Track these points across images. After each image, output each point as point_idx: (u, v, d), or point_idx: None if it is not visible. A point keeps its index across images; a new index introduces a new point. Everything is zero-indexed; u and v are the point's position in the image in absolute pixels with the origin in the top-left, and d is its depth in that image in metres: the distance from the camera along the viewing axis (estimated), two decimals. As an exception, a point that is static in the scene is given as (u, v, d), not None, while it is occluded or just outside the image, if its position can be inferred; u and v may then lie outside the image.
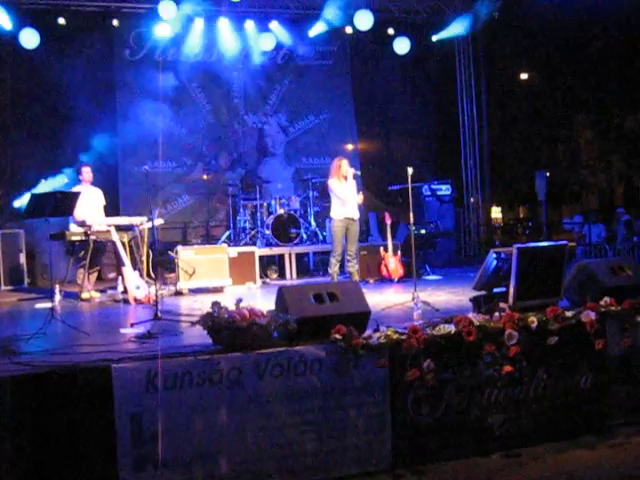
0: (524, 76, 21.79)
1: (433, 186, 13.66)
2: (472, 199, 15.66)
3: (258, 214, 12.59)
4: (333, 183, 9.71)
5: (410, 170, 7.86)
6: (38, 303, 9.08)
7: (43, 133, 12.71)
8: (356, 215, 9.76)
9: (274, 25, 14.24)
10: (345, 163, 9.71)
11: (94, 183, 10.12)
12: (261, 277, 11.23)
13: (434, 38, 15.05)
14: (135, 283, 9.01)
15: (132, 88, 13.51)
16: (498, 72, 18.65)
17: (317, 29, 14.11)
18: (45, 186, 11.48)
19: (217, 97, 14.55)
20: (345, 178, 9.63)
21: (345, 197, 9.62)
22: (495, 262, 6.22)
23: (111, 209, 10.83)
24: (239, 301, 5.24)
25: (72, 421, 4.62)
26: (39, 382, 4.63)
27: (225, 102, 14.64)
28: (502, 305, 5.92)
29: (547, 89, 21.71)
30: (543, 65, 21.30)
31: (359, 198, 9.69)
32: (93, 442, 4.65)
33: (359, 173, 9.74)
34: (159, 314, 7.00)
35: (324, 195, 13.08)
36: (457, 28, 14.60)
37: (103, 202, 10.15)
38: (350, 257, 9.77)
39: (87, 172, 9.99)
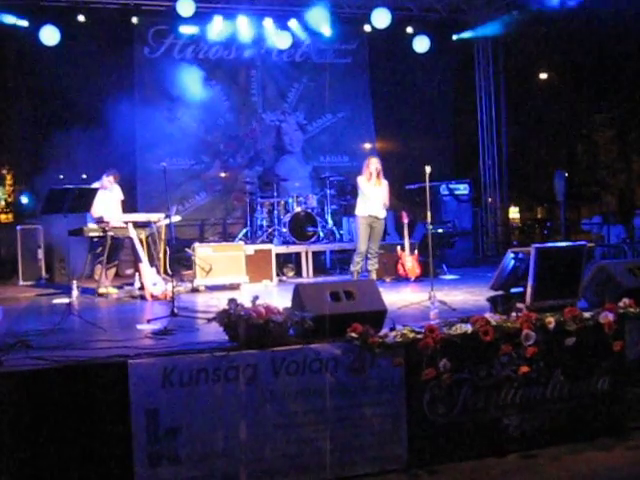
0: (543, 76, 21.67)
1: (451, 185, 13.59)
2: (490, 199, 15.61)
3: (275, 212, 12.59)
4: (360, 180, 9.76)
5: (428, 169, 7.83)
6: (56, 298, 9.13)
7: (61, 130, 12.76)
8: (380, 214, 9.75)
9: (292, 23, 14.24)
10: (374, 161, 9.74)
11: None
12: (278, 275, 11.22)
13: (454, 37, 15.00)
14: (152, 279, 9.04)
15: (151, 85, 13.57)
16: (517, 71, 18.55)
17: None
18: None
19: (235, 95, 14.58)
20: (372, 175, 9.65)
21: (369, 194, 9.62)
22: (513, 262, 6.19)
23: (129, 206, 10.87)
24: (255, 298, 5.25)
25: (88, 416, 4.65)
26: (55, 376, 4.66)
27: (243, 100, 14.67)
28: (519, 305, 5.89)
29: (566, 89, 21.58)
30: (562, 65, 21.18)
31: (384, 197, 9.67)
32: (109, 437, 4.67)
33: (381, 171, 9.71)
34: (175, 310, 7.01)
35: (342, 193, 13.10)
36: (480, 30, 14.60)
37: (122, 197, 10.18)
38: (371, 255, 9.79)
39: (112, 181, 9.97)
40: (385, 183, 9.77)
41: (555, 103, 21.65)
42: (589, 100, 21.81)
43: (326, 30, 14.10)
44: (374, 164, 9.68)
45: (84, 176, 12.10)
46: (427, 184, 7.89)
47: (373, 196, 9.66)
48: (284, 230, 12.18)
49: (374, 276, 9.68)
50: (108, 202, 9.85)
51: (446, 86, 15.71)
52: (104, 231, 9.30)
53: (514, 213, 21.16)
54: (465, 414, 5.43)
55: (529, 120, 21.07)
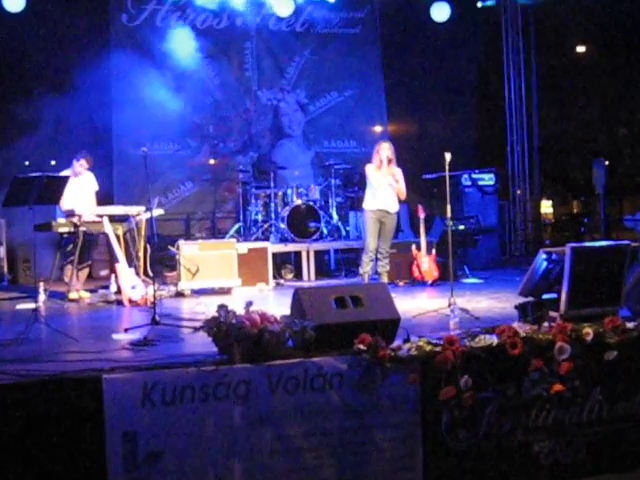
0: (581, 49, 21.61)
1: (474, 175, 13.58)
2: (519, 191, 15.60)
3: (272, 205, 12.58)
4: (368, 169, 9.76)
5: (448, 156, 7.83)
6: (20, 303, 9.14)
7: (27, 111, 12.76)
8: (392, 208, 9.74)
9: (293, -13, 14.26)
10: (384, 147, 9.69)
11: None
12: (274, 277, 11.23)
13: (478, 4, 14.98)
14: (130, 282, 9.04)
15: (130, 58, 13.52)
16: (551, 44, 18.50)
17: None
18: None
19: (227, 70, 14.56)
20: (382, 163, 9.63)
21: (379, 185, 9.61)
22: (545, 264, 6.19)
23: (104, 197, 10.86)
24: (249, 304, 5.26)
25: (56, 439, 4.65)
26: (19, 394, 4.66)
27: (236, 76, 14.66)
28: (552, 314, 5.89)
29: (607, 64, 21.53)
30: (603, 36, 21.12)
31: (400, 192, 9.66)
32: (80, 463, 4.68)
33: (393, 159, 9.69)
34: (157, 318, 7.02)
35: (348, 184, 13.09)
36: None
37: (96, 187, 10.18)
38: (381, 256, 9.78)
39: (84, 165, 9.93)
40: (398, 171, 9.75)
41: (595, 81, 21.59)
42: (634, 77, 21.75)
43: None
44: (385, 150, 9.66)
45: (53, 162, 12.11)
46: (447, 174, 7.89)
47: (383, 187, 9.66)
48: (282, 226, 12.18)
49: (385, 279, 9.68)
50: (80, 192, 9.84)
51: (469, 61, 15.67)
52: (75, 226, 9.29)
53: (546, 207, 21.15)
54: (489, 439, 5.43)
55: (564, 100, 21.03)
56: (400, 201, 9.91)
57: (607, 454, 5.75)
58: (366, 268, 9.73)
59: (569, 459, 5.63)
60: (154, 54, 13.44)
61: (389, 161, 9.64)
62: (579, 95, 21.66)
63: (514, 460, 5.50)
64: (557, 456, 5.60)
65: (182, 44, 13.82)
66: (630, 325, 5.83)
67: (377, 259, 9.81)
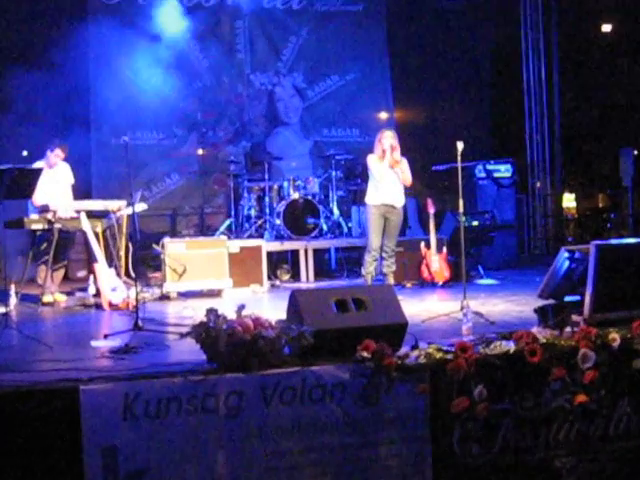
0: (606, 28, 21.62)
1: (489, 166, 13.59)
2: (538, 184, 15.60)
3: (266, 199, 12.59)
4: (370, 160, 9.73)
5: (460, 145, 7.83)
6: (-12, 307, 9.14)
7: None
8: (397, 202, 9.73)
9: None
10: (387, 135, 9.68)
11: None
12: (269, 278, 11.25)
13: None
14: (110, 284, 9.05)
15: (109, 39, 13.51)
16: (574, 23, 18.51)
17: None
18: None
19: (216, 52, 14.55)
20: (385, 154, 9.62)
21: (383, 178, 9.60)
22: (567, 263, 6.19)
23: (81, 191, 10.87)
24: (241, 308, 5.26)
25: (29, 456, 4.65)
26: (-12, 406, 4.66)
27: (226, 58, 14.66)
28: (575, 318, 5.89)
29: (636, 45, 21.54)
30: (631, 14, 21.13)
31: (405, 179, 9.66)
32: (55, 482, 4.68)
33: (397, 148, 9.69)
34: (140, 323, 7.02)
35: (350, 176, 13.10)
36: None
37: (71, 180, 10.18)
38: (387, 255, 9.75)
39: (59, 156, 9.92)
40: (404, 161, 9.74)
41: (621, 63, 21.60)
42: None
43: None
44: (388, 139, 9.65)
45: (25, 153, 12.09)
46: (459, 165, 7.89)
47: (387, 180, 9.65)
48: (278, 222, 12.18)
49: (391, 280, 9.67)
50: (54, 186, 9.84)
51: (484, 41, 15.69)
52: (50, 223, 9.30)
53: (569, 201, 21.10)
54: (506, 454, 5.43)
55: (588, 85, 21.03)
56: (406, 193, 9.90)
57: (636, 471, 5.75)
58: (369, 268, 9.71)
59: (594, 477, 5.62)
60: (136, 34, 13.37)
61: (393, 149, 9.62)
62: (605, 79, 21.65)
63: (533, 478, 5.49)
64: (580, 473, 5.60)
65: (167, 23, 13.77)
66: (661, 330, 5.82)
67: (382, 258, 9.80)
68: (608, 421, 5.68)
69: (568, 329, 5.71)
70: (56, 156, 9.87)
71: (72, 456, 4.68)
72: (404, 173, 9.68)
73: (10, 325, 6.99)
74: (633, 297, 6.12)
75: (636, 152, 14.65)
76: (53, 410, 4.71)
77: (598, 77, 21.25)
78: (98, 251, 9.25)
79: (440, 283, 10.68)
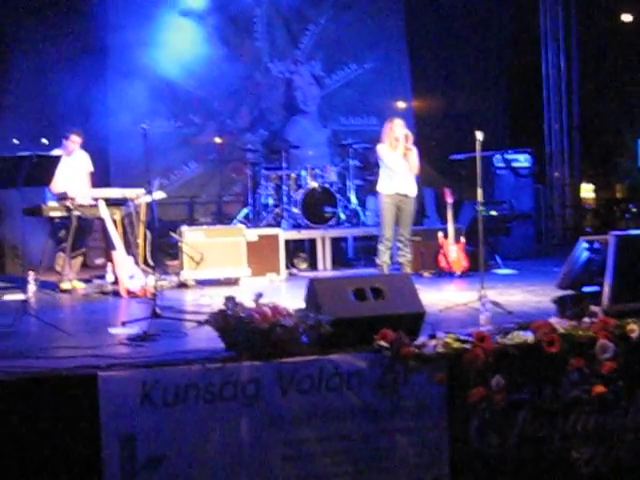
0: (627, 17, 21.47)
1: (508, 156, 13.55)
2: (557, 173, 15.54)
3: (284, 187, 12.59)
4: (382, 149, 9.71)
5: (479, 135, 7.80)
6: (7, 294, 9.16)
7: (15, 78, 12.77)
8: (410, 191, 9.72)
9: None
10: (398, 124, 9.69)
11: (80, 145, 10.16)
12: (287, 267, 11.24)
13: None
14: (128, 271, 9.06)
15: (127, 28, 13.53)
16: (594, 11, 18.40)
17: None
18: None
19: (234, 40, 14.56)
20: (397, 141, 9.60)
21: (395, 167, 9.59)
22: (586, 254, 6.17)
23: (100, 179, 10.90)
24: (259, 296, 5.25)
25: (47, 442, 4.66)
26: (5, 392, 4.67)
27: (245, 46, 14.66)
28: (594, 308, 5.87)
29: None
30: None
31: (413, 167, 9.63)
32: (74, 468, 4.69)
33: (412, 137, 9.67)
34: (158, 311, 7.03)
35: (368, 165, 13.07)
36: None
37: (90, 168, 10.21)
38: (402, 244, 9.75)
39: (75, 142, 9.99)
40: (414, 149, 9.71)
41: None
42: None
43: None
44: (400, 127, 9.63)
45: (44, 140, 12.13)
46: (478, 154, 7.86)
47: (400, 169, 9.63)
48: (295, 210, 12.18)
49: (409, 270, 9.67)
50: (73, 173, 9.88)
51: (503, 30, 15.63)
52: (68, 210, 9.33)
53: (587, 192, 21.03)
54: (523, 445, 5.41)
55: (608, 74, 20.91)
56: (425, 182, 9.87)
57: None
58: (384, 258, 9.69)
59: (611, 468, 5.61)
60: (154, 23, 13.41)
61: (407, 138, 9.60)
62: (625, 68, 21.53)
63: (550, 468, 5.48)
64: (598, 464, 5.58)
65: (185, 12, 13.80)
66: (680, 321, 5.80)
67: (398, 248, 9.78)
68: (626, 412, 5.66)
69: (587, 319, 5.69)
70: (72, 142, 9.91)
71: (90, 443, 4.69)
72: (413, 161, 9.65)
73: (29, 312, 7.02)
74: (652, 288, 6.11)
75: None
76: (71, 397, 4.72)
77: (618, 68, 21.15)
78: (116, 239, 9.27)
79: (458, 273, 10.65)
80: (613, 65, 20.93)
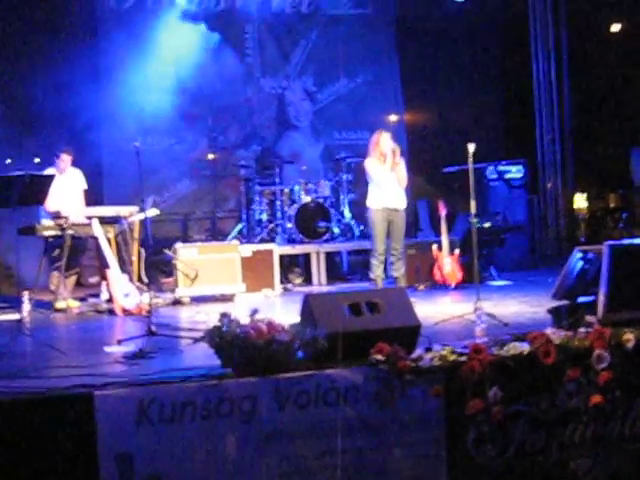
0: (616, 28, 21.55)
1: (500, 167, 13.58)
2: (550, 184, 15.54)
3: (278, 203, 12.60)
4: (369, 163, 9.72)
5: (471, 147, 7.82)
6: (2, 314, 9.13)
7: (5, 93, 12.74)
8: (400, 205, 9.73)
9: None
10: (385, 137, 9.69)
11: (72, 163, 10.16)
12: (282, 282, 11.24)
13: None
14: (123, 289, 9.06)
15: (119, 44, 13.55)
16: (584, 22, 18.47)
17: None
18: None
19: (226, 56, 14.55)
20: (385, 157, 9.60)
21: (383, 181, 9.58)
22: (580, 264, 6.18)
23: (93, 197, 10.89)
24: (254, 312, 5.25)
25: (43, 462, 4.65)
26: (1, 413, 4.66)
27: (236, 62, 14.66)
28: (589, 318, 5.88)
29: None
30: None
31: (402, 180, 9.64)
32: (71, 489, 4.68)
33: (400, 150, 9.68)
34: (153, 328, 7.03)
35: (361, 179, 13.07)
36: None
37: (84, 186, 10.21)
38: (395, 258, 9.76)
39: (66, 161, 10.00)
40: (402, 162, 9.72)
41: (632, 62, 21.52)
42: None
43: None
44: (388, 141, 9.63)
45: (37, 160, 12.12)
46: (470, 166, 7.88)
47: (388, 183, 9.63)
48: (289, 226, 12.19)
49: (403, 283, 9.67)
50: (66, 192, 9.87)
51: (493, 42, 15.66)
52: (62, 229, 9.32)
53: (581, 201, 21.05)
54: (521, 456, 5.42)
55: (599, 84, 20.96)
56: (418, 195, 9.90)
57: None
58: (377, 272, 9.69)
59: (609, 478, 5.60)
60: (145, 40, 13.42)
61: (394, 153, 9.59)
62: (616, 79, 21.59)
63: (549, 479, 5.48)
64: (596, 475, 5.58)
65: (176, 29, 13.81)
66: (676, 330, 5.80)
67: (391, 262, 9.78)
68: (623, 422, 5.67)
69: (582, 330, 5.70)
70: (62, 162, 9.91)
71: (87, 462, 4.68)
72: (402, 175, 9.65)
73: (23, 332, 7.01)
74: (647, 297, 6.12)
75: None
76: (67, 416, 4.71)
77: (609, 76, 21.21)
78: (110, 257, 9.26)
79: (453, 285, 10.66)
80: (604, 76, 21.00)
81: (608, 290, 5.91)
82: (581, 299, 6.20)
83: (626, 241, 6.70)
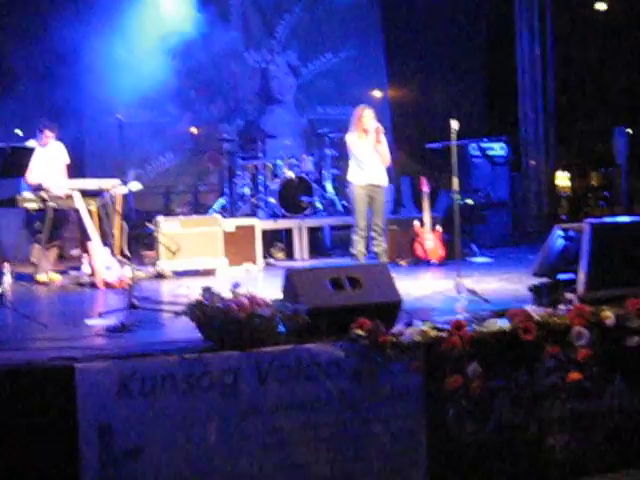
0: (601, 5, 21.55)
1: (483, 144, 13.59)
2: (532, 162, 15.57)
3: (260, 177, 12.57)
4: (351, 138, 9.65)
5: (454, 124, 7.82)
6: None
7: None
8: (382, 181, 9.71)
9: None
10: (368, 113, 9.62)
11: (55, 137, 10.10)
12: (264, 257, 11.24)
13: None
14: (105, 263, 9.03)
15: (100, 16, 13.45)
16: (567, 1, 18.46)
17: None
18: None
19: (210, 29, 14.45)
20: (367, 133, 9.56)
21: (365, 157, 9.55)
22: (561, 241, 6.20)
23: (75, 169, 10.83)
24: (236, 286, 5.25)
25: (24, 434, 4.65)
26: (-17, 384, 4.67)
27: (220, 35, 14.57)
28: (569, 296, 5.90)
29: (631, 22, 21.46)
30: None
31: (385, 159, 9.63)
32: (52, 459, 4.69)
33: (384, 130, 9.65)
34: (135, 302, 7.02)
35: (344, 154, 13.06)
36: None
37: (66, 159, 10.16)
38: (376, 234, 9.73)
39: (49, 136, 9.93)
40: (384, 141, 9.67)
41: (616, 40, 21.53)
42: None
43: None
44: (369, 120, 9.54)
45: (18, 131, 12.04)
46: (453, 142, 7.88)
47: (371, 158, 9.58)
48: (272, 200, 12.16)
49: (384, 259, 9.67)
50: (48, 164, 9.81)
51: (478, 18, 15.65)
52: (44, 201, 9.27)
53: (563, 180, 21.10)
54: (500, 432, 5.45)
55: (583, 62, 20.97)
56: (401, 171, 9.88)
57: (629, 448, 5.77)
58: (359, 247, 9.62)
59: (587, 453, 5.65)
60: (127, 11, 13.31)
61: (378, 132, 9.53)
62: (599, 57, 21.61)
63: (527, 454, 5.52)
64: (574, 450, 5.62)
65: (160, 1, 13.71)
66: (655, 308, 5.84)
67: (372, 237, 9.77)
68: (601, 398, 5.71)
69: (562, 307, 5.72)
70: (45, 136, 9.85)
71: (68, 434, 4.69)
72: (385, 153, 9.62)
73: (5, 304, 6.99)
74: (627, 275, 6.14)
75: (630, 130, 14.61)
76: (48, 388, 4.71)
77: (593, 54, 21.22)
78: (92, 230, 9.23)
79: (434, 261, 10.68)
80: (588, 54, 21.02)
81: (588, 268, 5.94)
82: (561, 276, 6.22)
83: (607, 219, 6.71)
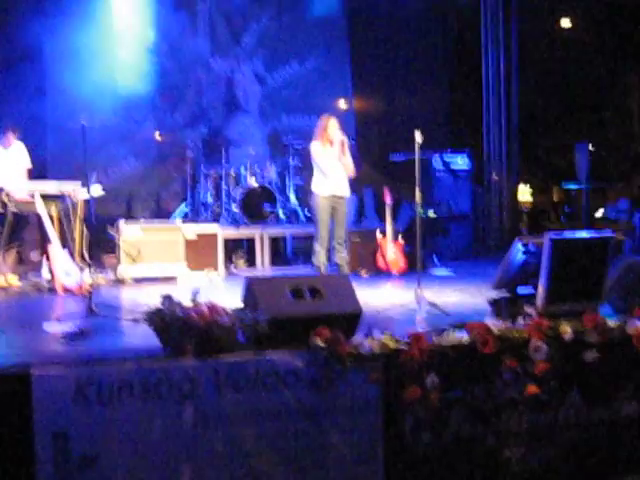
0: (565, 23, 21.76)
1: (446, 157, 13.67)
2: (495, 175, 15.67)
3: (223, 185, 12.54)
4: (315, 147, 9.57)
5: (418, 135, 7.84)
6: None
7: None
8: (345, 192, 9.68)
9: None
10: (333, 123, 9.58)
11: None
12: (225, 265, 11.21)
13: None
14: (64, 267, 8.97)
15: (64, 18, 13.32)
16: (534, 17, 18.62)
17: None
18: None
19: (176, 34, 14.43)
20: (331, 143, 9.53)
21: (328, 167, 9.51)
22: (521, 255, 6.23)
23: (36, 171, 10.73)
24: (196, 294, 5.23)
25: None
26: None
27: (185, 41, 14.55)
28: (528, 310, 5.94)
29: (594, 41, 21.70)
30: (590, 10, 21.27)
31: (349, 170, 9.62)
32: (6, 467, 4.63)
33: (349, 142, 9.65)
34: (94, 307, 6.98)
35: (308, 164, 13.06)
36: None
37: (28, 164, 10.08)
38: (338, 244, 9.70)
39: (10, 138, 9.86)
40: (348, 152, 9.62)
41: (580, 58, 21.75)
42: (622, 56, 21.93)
43: None
44: (334, 130, 9.50)
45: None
46: (417, 155, 7.91)
47: (335, 169, 9.55)
48: (234, 208, 12.14)
49: (346, 270, 9.66)
50: (9, 166, 9.73)
51: (444, 32, 15.73)
52: (4, 205, 9.20)
53: (524, 194, 21.29)
54: (457, 443, 5.46)
55: (546, 79, 21.16)
56: (364, 182, 9.88)
57: (585, 461, 5.82)
58: (320, 257, 9.52)
59: (543, 466, 5.68)
60: (92, 15, 13.22)
61: (343, 145, 9.49)
62: (563, 73, 21.81)
63: (483, 466, 5.54)
64: (530, 462, 5.65)
65: (124, 3, 13.65)
66: (612, 323, 5.87)
67: (334, 248, 9.75)
68: (558, 412, 5.75)
69: (521, 320, 5.75)
70: (7, 138, 9.79)
71: (24, 441, 4.64)
72: (349, 165, 9.59)
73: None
74: (585, 290, 6.20)
75: (591, 147, 14.75)
76: (3, 395, 4.66)
77: (556, 72, 21.43)
78: (52, 234, 9.17)
79: (395, 273, 10.72)
80: (552, 70, 21.22)
81: (548, 282, 5.99)
82: (521, 290, 6.26)
83: (567, 234, 6.76)
